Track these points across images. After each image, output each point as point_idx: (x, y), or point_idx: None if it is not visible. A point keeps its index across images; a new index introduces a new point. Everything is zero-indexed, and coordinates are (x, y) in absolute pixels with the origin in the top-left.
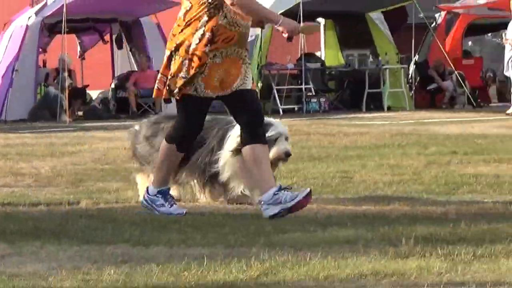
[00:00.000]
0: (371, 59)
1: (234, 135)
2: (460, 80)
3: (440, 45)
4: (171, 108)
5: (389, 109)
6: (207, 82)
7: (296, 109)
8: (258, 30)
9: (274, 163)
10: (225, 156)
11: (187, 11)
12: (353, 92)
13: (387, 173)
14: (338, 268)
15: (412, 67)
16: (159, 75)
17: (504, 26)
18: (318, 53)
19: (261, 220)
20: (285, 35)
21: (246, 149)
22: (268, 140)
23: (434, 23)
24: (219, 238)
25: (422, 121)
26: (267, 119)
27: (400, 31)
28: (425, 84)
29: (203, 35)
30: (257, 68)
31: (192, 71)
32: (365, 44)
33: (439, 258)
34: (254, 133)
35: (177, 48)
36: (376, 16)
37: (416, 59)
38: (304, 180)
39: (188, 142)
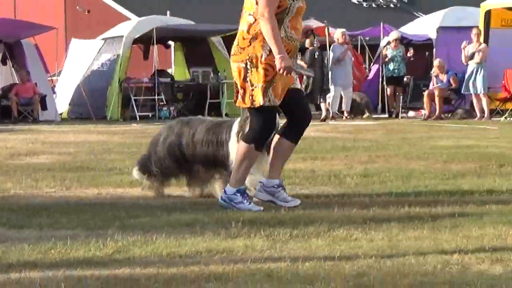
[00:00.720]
0: (212, 74)
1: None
2: None
3: None
4: (48, 115)
5: (227, 116)
6: (276, 92)
7: (150, 116)
8: (120, 50)
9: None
10: (231, 143)
11: (250, 25)
12: (197, 102)
13: None
14: (179, 247)
15: None
16: (238, 86)
17: None
18: (169, 70)
19: (117, 207)
20: (279, 68)
21: (281, 140)
22: None
23: None
24: (81, 222)
25: None
26: None
27: None
28: None
29: (271, 48)
30: (118, 82)
31: (266, 79)
32: (208, 63)
33: (262, 238)
34: (297, 131)
35: (251, 60)
36: (216, 40)
37: None
38: None
39: (265, 140)
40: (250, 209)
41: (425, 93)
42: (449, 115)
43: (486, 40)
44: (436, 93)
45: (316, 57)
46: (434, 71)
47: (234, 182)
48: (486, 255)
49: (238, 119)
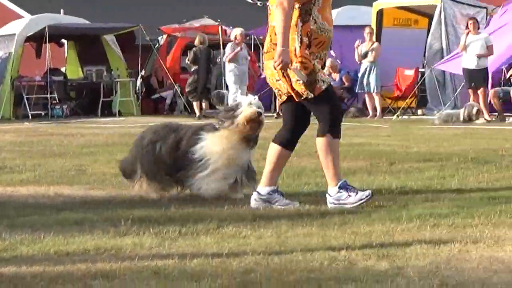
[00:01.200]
0: (105, 73)
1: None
2: (179, 91)
3: (162, 62)
4: None
5: (120, 114)
6: (323, 73)
7: (43, 114)
8: (12, 48)
9: (247, 122)
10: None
11: None
12: (90, 100)
13: (114, 166)
14: (67, 245)
15: (139, 80)
16: (279, 82)
17: None
18: (62, 68)
19: (6, 206)
20: (276, 64)
21: (279, 149)
22: (239, 106)
23: (157, 44)
24: None
25: (146, 124)
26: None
27: (129, 51)
28: (150, 93)
29: (301, 39)
30: (10, 80)
31: (307, 71)
32: (101, 61)
33: (151, 236)
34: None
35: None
36: (109, 38)
37: (143, 74)
38: (46, 172)
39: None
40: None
41: None
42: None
43: (378, 39)
44: None
45: (199, 55)
46: (327, 70)
47: (333, 181)
48: (373, 251)
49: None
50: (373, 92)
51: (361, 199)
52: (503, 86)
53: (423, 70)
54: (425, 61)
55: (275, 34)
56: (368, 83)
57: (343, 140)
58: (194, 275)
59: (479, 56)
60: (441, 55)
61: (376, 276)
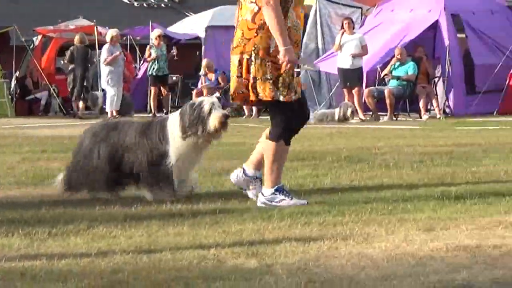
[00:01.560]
0: None
1: (172, 117)
2: (55, 92)
3: (37, 63)
4: None
5: None
6: (298, 82)
7: None
8: None
9: (218, 128)
10: (173, 140)
11: (255, 14)
12: None
13: None
14: None
15: (13, 81)
16: (239, 79)
17: None
18: None
19: None
20: (282, 61)
21: (273, 144)
22: (204, 111)
23: (32, 45)
24: None
25: (21, 126)
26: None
27: (3, 51)
28: (24, 95)
29: None
30: None
31: (279, 72)
32: None
33: (20, 237)
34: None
35: (256, 52)
36: None
37: (17, 75)
38: None
39: (295, 133)
40: (295, 204)
41: (194, 92)
42: None
43: None
44: (205, 92)
45: (76, 54)
46: (203, 70)
47: (270, 183)
48: (242, 249)
49: (173, 116)
50: None
51: (296, 204)
52: (378, 85)
53: (298, 70)
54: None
55: (249, 29)
56: None
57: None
58: (61, 275)
59: (354, 56)
60: (316, 55)
61: (244, 274)
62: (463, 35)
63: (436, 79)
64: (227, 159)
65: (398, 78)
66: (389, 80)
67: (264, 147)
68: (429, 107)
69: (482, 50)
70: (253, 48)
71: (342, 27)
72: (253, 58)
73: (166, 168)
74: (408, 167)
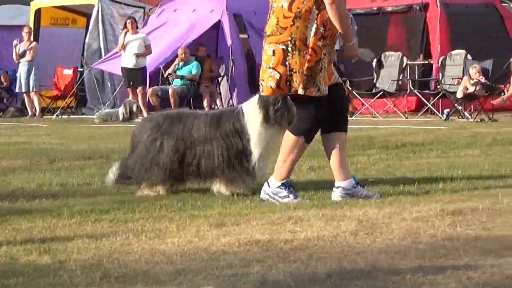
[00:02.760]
0: None
1: (247, 108)
2: None
3: None
4: None
5: None
6: (325, 80)
7: None
8: None
9: None
10: (255, 131)
11: (292, 1)
12: None
13: None
14: None
15: None
16: (270, 71)
17: None
18: None
19: None
20: (349, 55)
21: (334, 134)
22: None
23: None
24: None
25: None
26: None
27: None
28: None
29: (317, 28)
30: None
31: (308, 65)
32: None
33: None
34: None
35: (293, 42)
36: None
37: None
38: None
39: (316, 132)
40: (299, 203)
41: None
42: (1, 114)
43: (36, 38)
44: None
45: None
46: None
47: (279, 175)
48: (34, 246)
49: (245, 105)
50: (32, 91)
51: (299, 203)
52: (161, 85)
53: (82, 69)
54: (83, 61)
55: (284, 17)
56: (27, 83)
57: (2, 139)
58: None
59: (138, 56)
60: (99, 55)
61: (39, 270)
62: (245, 35)
63: (220, 79)
64: (13, 158)
65: (182, 77)
66: (173, 79)
67: (285, 137)
68: (213, 106)
69: None
70: (290, 38)
71: (125, 26)
72: (289, 49)
73: (248, 161)
74: None
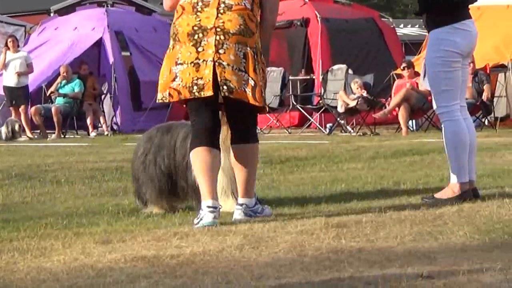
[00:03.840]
0: None
1: None
2: None
3: None
4: None
5: None
6: None
7: None
8: None
9: None
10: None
11: (252, 4)
12: None
13: None
14: None
15: None
16: (241, 73)
17: None
18: None
19: None
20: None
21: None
22: None
23: None
24: None
25: None
26: None
27: None
28: None
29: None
30: None
31: (264, 81)
32: None
33: None
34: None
35: (257, 50)
36: None
37: None
38: None
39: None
40: (270, 213)
41: None
42: None
43: None
44: None
45: None
46: None
47: (252, 192)
48: None
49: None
50: None
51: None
52: (44, 103)
53: None
54: None
55: (250, 20)
56: None
57: None
58: None
59: (20, 74)
60: None
61: None
62: (127, 53)
63: (103, 96)
64: None
65: (64, 95)
66: (56, 98)
67: (251, 151)
68: (96, 124)
69: (146, 67)
70: (255, 46)
71: (6, 45)
72: (257, 57)
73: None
74: (80, 182)
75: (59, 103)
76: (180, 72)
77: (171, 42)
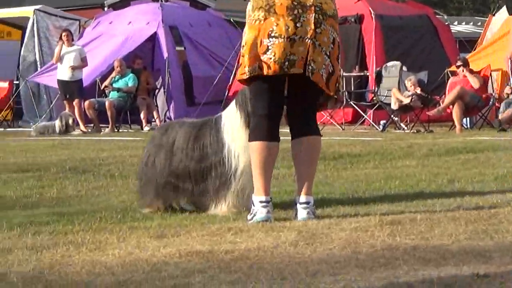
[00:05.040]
0: None
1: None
2: None
3: None
4: None
5: None
6: None
7: None
8: None
9: None
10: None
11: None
12: None
13: None
14: None
15: None
16: (328, 62)
17: None
18: None
19: None
20: None
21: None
22: None
23: None
24: None
25: None
26: None
27: None
28: None
29: None
30: None
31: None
32: None
33: None
34: None
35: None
36: None
37: None
38: None
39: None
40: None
41: None
42: None
43: None
44: None
45: None
46: None
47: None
48: None
49: (227, 112)
50: None
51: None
52: (98, 97)
53: (17, 82)
54: (19, 73)
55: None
56: None
57: None
58: None
59: (74, 68)
60: (35, 67)
61: None
62: (181, 47)
63: (156, 91)
64: None
65: (118, 90)
66: (110, 92)
67: (314, 144)
68: (150, 118)
69: (200, 62)
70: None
71: (61, 38)
72: (339, 46)
73: (225, 176)
74: (133, 177)
75: (113, 97)
76: (274, 46)
77: (262, 13)
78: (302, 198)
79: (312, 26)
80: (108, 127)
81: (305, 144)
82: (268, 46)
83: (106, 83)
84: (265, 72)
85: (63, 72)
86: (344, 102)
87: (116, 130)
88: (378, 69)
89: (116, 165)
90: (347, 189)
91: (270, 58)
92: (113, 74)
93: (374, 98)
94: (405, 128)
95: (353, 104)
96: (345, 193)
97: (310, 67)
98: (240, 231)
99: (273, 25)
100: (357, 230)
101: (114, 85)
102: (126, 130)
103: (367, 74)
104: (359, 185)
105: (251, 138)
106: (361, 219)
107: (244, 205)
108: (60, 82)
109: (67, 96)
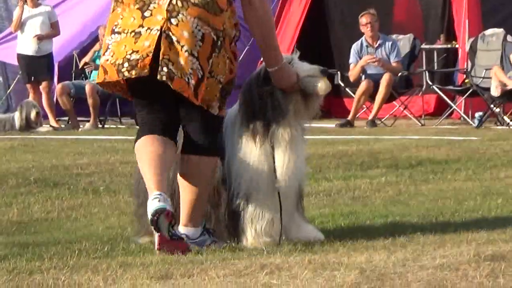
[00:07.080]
0: None
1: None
2: None
3: None
4: None
5: None
6: None
7: None
8: None
9: None
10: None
11: None
12: None
13: None
14: None
15: None
16: (191, 59)
17: None
18: None
19: None
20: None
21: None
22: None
23: None
24: None
25: None
26: None
27: None
28: None
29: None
30: None
31: (231, 77)
32: None
33: None
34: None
35: (223, 35)
36: None
37: None
38: None
39: None
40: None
41: None
42: None
43: None
44: None
45: None
46: None
47: (199, 220)
48: None
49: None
50: None
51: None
52: (75, 79)
53: None
54: None
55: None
56: None
57: None
58: None
59: (41, 38)
60: None
61: None
62: None
63: None
64: None
65: None
66: (91, 71)
67: (203, 166)
68: None
69: None
70: (222, 29)
71: None
72: (219, 43)
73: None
74: (125, 192)
75: (95, 79)
76: (114, 44)
77: (112, 2)
78: (180, 228)
79: (164, 15)
80: (89, 121)
81: (193, 164)
82: (108, 45)
83: (86, 59)
84: (100, 80)
85: (26, 44)
86: (424, 86)
87: (100, 126)
88: (472, 39)
89: (101, 175)
90: (429, 210)
91: (107, 60)
92: (97, 47)
93: (466, 81)
94: (510, 123)
95: (436, 89)
96: (426, 216)
97: (165, 70)
98: (278, 269)
99: (119, 17)
100: (443, 268)
101: (98, 62)
102: (114, 126)
103: (456, 46)
104: (445, 203)
105: (137, 137)
106: (450, 252)
107: (277, 233)
108: (22, 57)
109: (32, 78)
